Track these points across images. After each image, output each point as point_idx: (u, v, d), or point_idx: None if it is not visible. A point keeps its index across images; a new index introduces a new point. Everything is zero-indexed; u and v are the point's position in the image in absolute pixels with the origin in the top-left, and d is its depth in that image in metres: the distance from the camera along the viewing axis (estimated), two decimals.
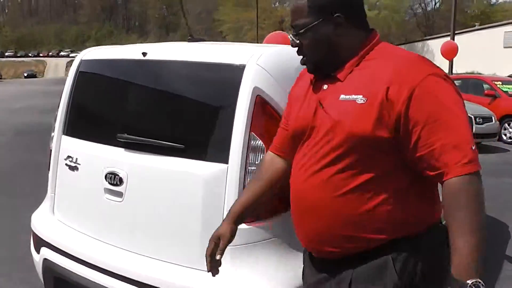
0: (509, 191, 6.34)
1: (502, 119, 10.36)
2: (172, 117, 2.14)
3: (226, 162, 1.89)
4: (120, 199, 2.13)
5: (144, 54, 2.21)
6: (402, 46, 42.20)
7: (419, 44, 40.96)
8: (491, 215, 5.17)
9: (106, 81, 2.51)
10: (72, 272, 2.27)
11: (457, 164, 1.23)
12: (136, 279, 2.02)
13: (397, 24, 45.54)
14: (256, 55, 1.97)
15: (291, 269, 1.89)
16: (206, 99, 2.08)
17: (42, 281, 2.53)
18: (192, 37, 2.50)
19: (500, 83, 11.66)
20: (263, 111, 1.92)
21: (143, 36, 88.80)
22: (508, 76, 16.67)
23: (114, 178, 2.14)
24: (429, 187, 1.42)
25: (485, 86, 11.63)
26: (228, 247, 1.64)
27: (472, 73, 23.84)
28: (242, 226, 1.82)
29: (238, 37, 52.56)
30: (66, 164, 2.42)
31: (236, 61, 1.98)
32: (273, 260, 1.92)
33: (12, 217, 4.75)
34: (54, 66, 71.38)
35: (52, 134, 2.60)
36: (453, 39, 18.52)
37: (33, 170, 6.87)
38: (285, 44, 4.04)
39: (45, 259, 2.42)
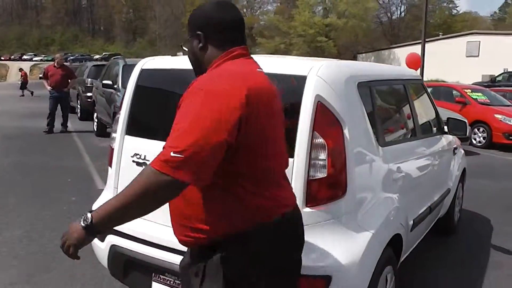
0: (485, 191, 6.91)
1: (472, 125, 11.09)
2: None
3: (292, 156, 2.26)
4: None
5: None
6: (369, 54, 43.56)
7: (386, 52, 42.29)
8: (473, 211, 5.71)
9: (166, 87, 2.84)
10: (139, 253, 2.58)
11: (156, 159, 1.40)
12: None
13: (364, 33, 46.90)
14: (315, 68, 2.36)
15: (345, 247, 2.27)
16: None
17: (106, 266, 2.82)
18: None
19: (470, 90, 12.44)
20: (323, 114, 2.30)
21: (109, 40, 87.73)
22: (473, 84, 17.61)
23: None
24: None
25: (455, 93, 12.35)
26: None
27: (437, 80, 24.97)
28: (305, 209, 2.21)
29: None
30: (133, 161, 2.73)
31: (300, 73, 2.36)
32: (329, 240, 2.28)
33: (28, 215, 4.95)
34: (17, 70, 69.62)
35: (114, 135, 2.90)
36: (424, 48, 19.39)
37: (33, 172, 7.05)
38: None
39: (112, 245, 2.71)
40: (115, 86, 8.82)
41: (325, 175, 2.25)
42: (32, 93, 23.65)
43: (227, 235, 1.58)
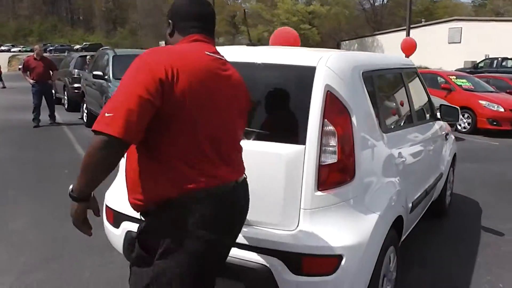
0: (472, 174, 7.15)
1: None
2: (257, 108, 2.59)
3: (304, 143, 2.38)
4: None
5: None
6: (353, 42, 43.78)
7: (369, 39, 42.55)
8: (463, 194, 5.92)
9: None
10: None
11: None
12: None
13: (347, 20, 47.07)
14: (324, 59, 2.48)
15: (355, 228, 2.41)
16: (285, 93, 2.57)
17: (122, 252, 2.92)
18: (250, 42, 2.96)
19: (455, 77, 12.70)
20: (332, 103, 2.42)
21: (89, 30, 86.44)
22: (456, 70, 17.92)
23: None
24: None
25: (440, 80, 12.61)
26: (307, 210, 2.25)
27: (419, 67, 25.24)
28: (318, 193, 2.35)
29: None
30: None
31: (309, 63, 2.47)
32: (340, 221, 2.42)
33: (30, 205, 5.01)
34: None
35: None
36: (408, 35, 19.60)
37: (28, 165, 7.07)
38: (295, 44, 4.56)
39: (128, 231, 2.81)
40: (106, 77, 8.81)
41: (335, 161, 2.39)
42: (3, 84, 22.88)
43: (156, 201, 1.76)
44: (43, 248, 3.99)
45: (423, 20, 41.28)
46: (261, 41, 48.23)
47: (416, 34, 31.27)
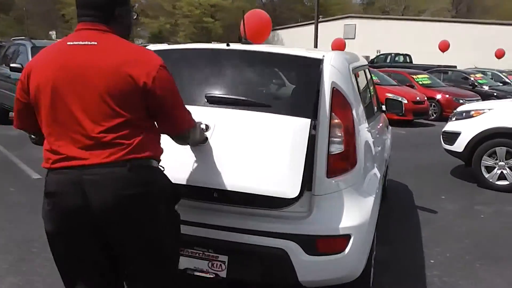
0: (391, 161, 7.86)
1: None
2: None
3: (315, 135, 2.62)
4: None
5: (228, 44, 2.99)
6: None
7: (271, 33, 43.59)
8: (391, 178, 6.52)
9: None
10: None
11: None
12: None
13: None
14: (328, 57, 2.74)
15: (358, 210, 2.70)
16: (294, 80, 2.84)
17: None
18: (245, 40, 3.12)
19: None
20: (338, 98, 2.68)
21: None
22: None
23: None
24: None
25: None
26: (319, 196, 2.55)
27: None
28: (327, 180, 2.60)
29: None
30: None
31: (316, 56, 2.74)
32: (346, 205, 2.68)
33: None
34: None
35: None
36: (317, 29, 20.49)
37: None
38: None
39: None
40: None
41: (342, 150, 2.65)
42: None
43: None
44: (10, 252, 3.82)
45: (320, 16, 43.21)
46: (162, 33, 47.41)
47: (313, 30, 32.82)
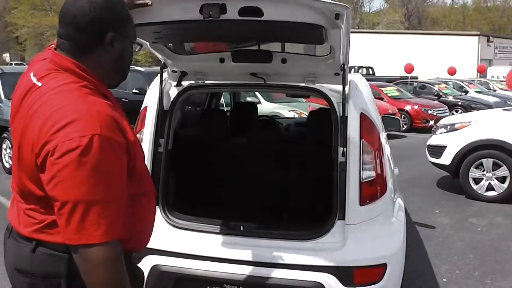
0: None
1: None
2: None
3: (345, 162, 2.55)
4: None
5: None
6: None
7: None
8: None
9: None
10: (192, 269, 2.60)
11: None
12: None
13: None
14: (354, 83, 2.68)
15: (392, 238, 2.65)
16: None
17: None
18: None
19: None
20: (366, 123, 2.62)
21: None
22: None
23: None
24: None
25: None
26: (352, 225, 2.50)
27: None
28: (360, 208, 2.54)
29: (41, 43, 48.97)
30: None
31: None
32: (380, 232, 2.61)
33: None
34: None
35: None
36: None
37: None
38: None
39: (154, 266, 2.67)
40: None
41: (374, 177, 2.59)
42: None
43: None
44: None
45: None
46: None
47: None
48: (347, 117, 2.57)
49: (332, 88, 2.81)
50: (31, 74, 1.48)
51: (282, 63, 2.80)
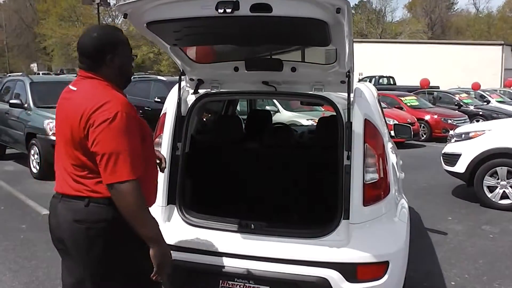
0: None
1: None
2: None
3: (349, 165, 2.71)
4: None
5: None
6: None
7: None
8: None
9: None
10: (204, 263, 2.80)
11: None
12: None
13: None
14: (359, 91, 2.84)
15: (394, 237, 2.79)
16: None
17: None
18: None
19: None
20: (369, 128, 2.78)
21: None
22: None
23: None
24: None
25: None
26: (356, 224, 2.65)
27: None
28: (364, 208, 2.69)
29: (67, 53, 50.20)
30: None
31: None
32: (382, 232, 2.77)
33: None
34: None
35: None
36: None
37: None
38: None
39: None
40: (25, 105, 8.31)
41: (377, 179, 2.75)
42: None
43: None
44: None
45: None
46: (145, 63, 47.56)
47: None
48: (351, 122, 2.74)
49: (339, 96, 2.99)
50: (69, 86, 2.20)
51: (292, 72, 3.00)
